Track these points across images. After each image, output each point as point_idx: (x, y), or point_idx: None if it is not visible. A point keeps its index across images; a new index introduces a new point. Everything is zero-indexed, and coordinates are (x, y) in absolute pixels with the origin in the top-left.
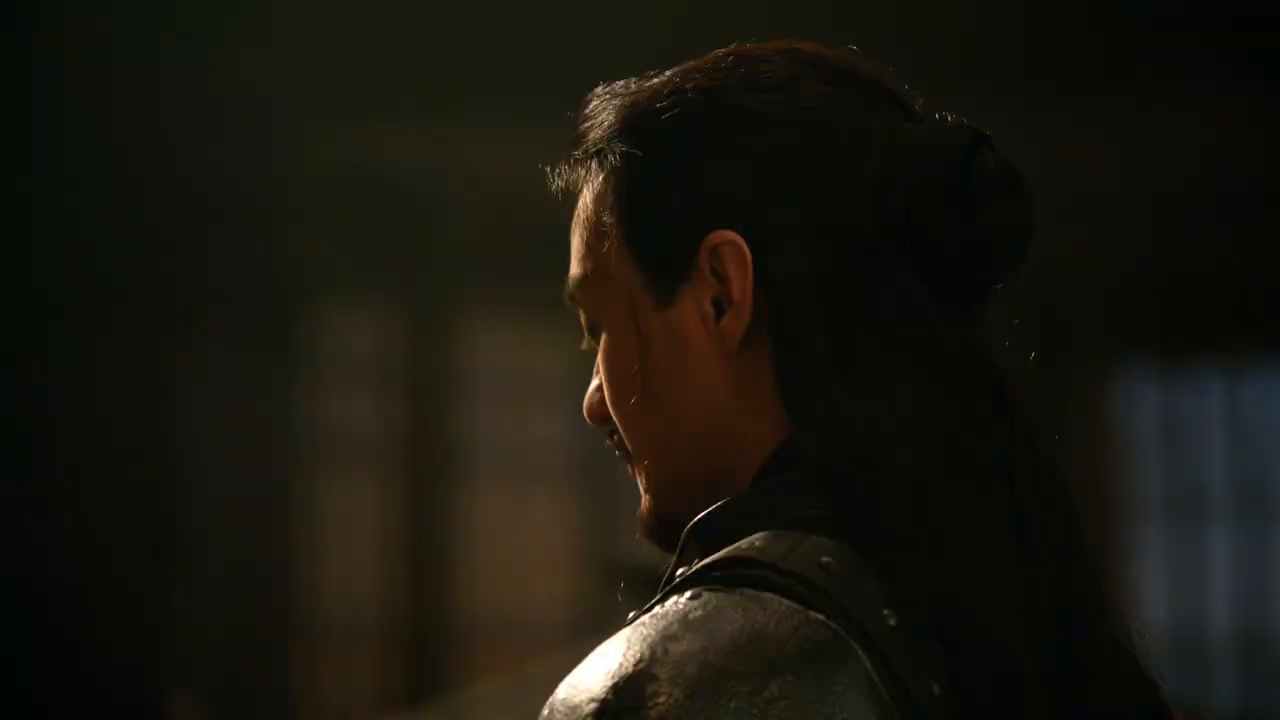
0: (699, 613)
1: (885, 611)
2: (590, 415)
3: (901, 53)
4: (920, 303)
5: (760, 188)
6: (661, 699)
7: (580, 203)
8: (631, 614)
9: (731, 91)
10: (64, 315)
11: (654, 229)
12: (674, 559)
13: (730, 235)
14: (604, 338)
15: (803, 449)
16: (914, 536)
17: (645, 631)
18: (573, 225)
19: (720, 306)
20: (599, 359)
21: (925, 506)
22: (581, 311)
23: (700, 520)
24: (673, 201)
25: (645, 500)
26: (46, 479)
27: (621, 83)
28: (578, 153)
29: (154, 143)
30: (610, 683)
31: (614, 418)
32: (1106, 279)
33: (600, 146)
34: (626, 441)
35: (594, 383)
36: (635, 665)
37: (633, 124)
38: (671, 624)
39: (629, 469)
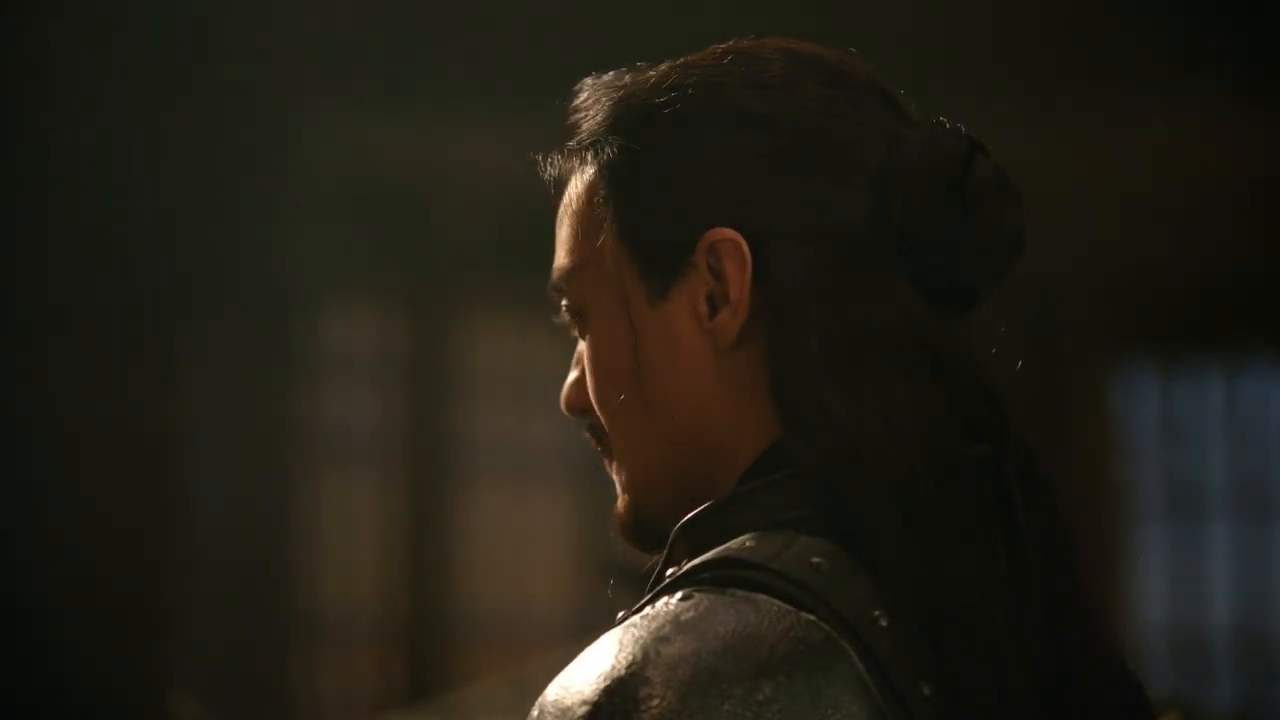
0: (690, 614)
1: (876, 612)
2: (569, 407)
3: (901, 53)
4: (915, 306)
5: (760, 187)
6: (655, 702)
7: (570, 193)
8: (620, 614)
9: (732, 89)
10: (63, 314)
11: (651, 223)
12: (662, 558)
13: (730, 233)
14: (592, 330)
15: (794, 449)
16: (904, 538)
17: (636, 633)
18: (561, 216)
19: (714, 304)
20: (583, 351)
21: (916, 508)
22: (565, 303)
23: (689, 519)
24: (671, 197)
25: (624, 498)
26: (46, 478)
27: (613, 74)
28: (571, 143)
29: (154, 141)
30: (602, 685)
31: (598, 411)
32: (1106, 277)
33: (597, 138)
34: (608, 436)
35: (573, 374)
36: (627, 668)
37: (632, 117)
38: (663, 625)
39: (606, 464)
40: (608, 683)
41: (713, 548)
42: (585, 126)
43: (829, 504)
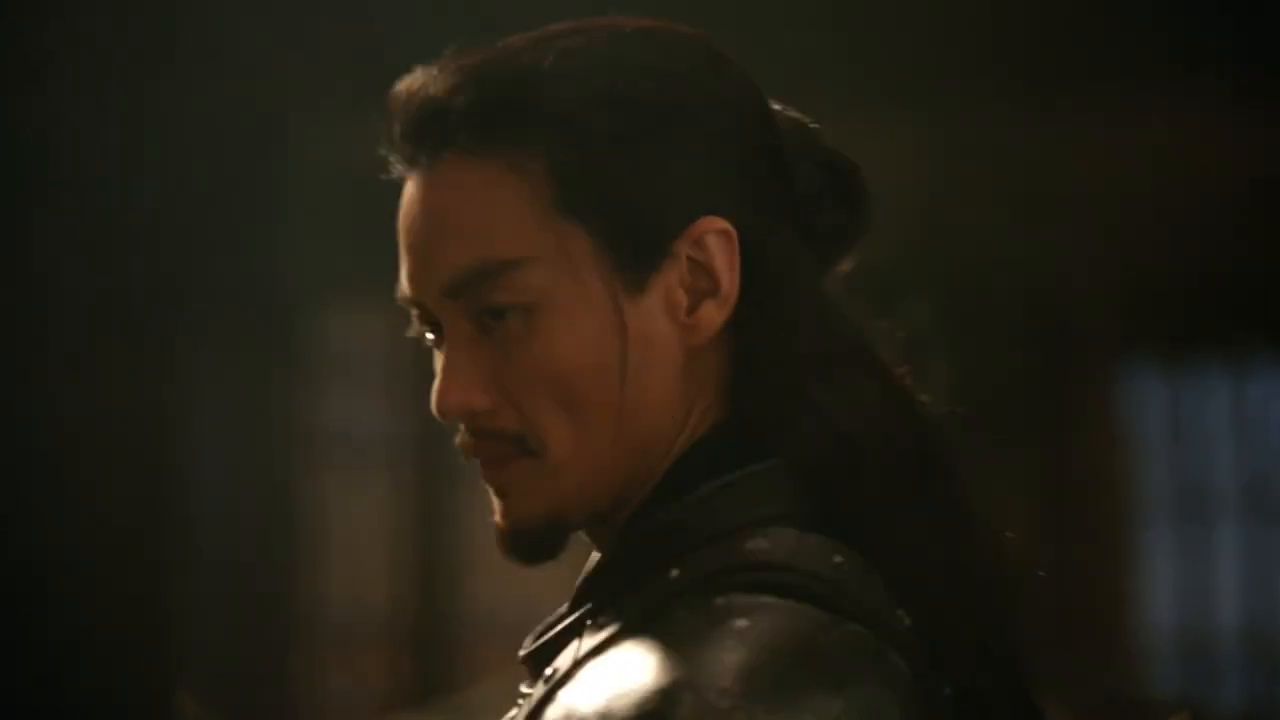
0: (742, 622)
1: (899, 612)
2: (457, 410)
3: (901, 53)
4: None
5: (734, 175)
6: (740, 715)
7: (490, 181)
8: (602, 620)
9: (678, 74)
10: (69, 315)
11: (629, 213)
12: (614, 565)
13: (722, 223)
14: (548, 326)
15: (784, 445)
16: (915, 530)
17: (696, 642)
18: (470, 205)
19: (692, 296)
20: (515, 349)
21: (917, 498)
22: (488, 299)
23: (652, 520)
24: (651, 185)
25: (538, 505)
26: (51, 479)
27: (506, 53)
28: (495, 127)
29: (157, 142)
30: (674, 696)
31: (534, 413)
32: (1113, 278)
33: (543, 122)
34: (542, 440)
35: (450, 378)
36: (703, 676)
37: (581, 101)
38: (720, 635)
39: (500, 470)
40: (682, 692)
41: (679, 550)
42: (507, 111)
43: (830, 498)
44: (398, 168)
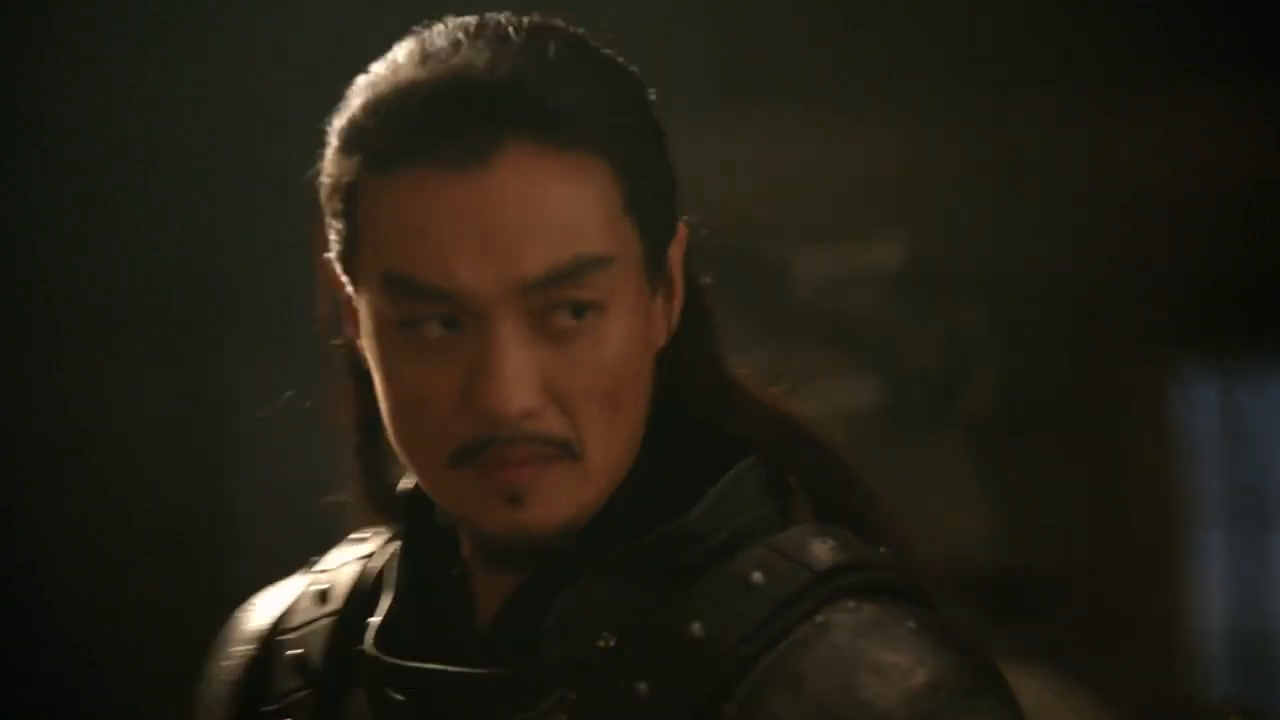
0: (911, 623)
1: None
2: (522, 415)
3: (931, 54)
4: None
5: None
6: (994, 712)
7: (575, 174)
8: (663, 636)
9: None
10: (104, 312)
11: (659, 217)
12: (616, 568)
13: (684, 228)
14: (614, 327)
15: (750, 440)
16: (889, 506)
17: (891, 646)
18: (563, 196)
19: (664, 300)
20: (587, 346)
21: (857, 485)
22: (570, 292)
23: (674, 524)
24: (666, 188)
25: (566, 510)
26: (88, 479)
27: (531, 42)
28: (572, 117)
29: (199, 138)
30: (928, 699)
31: (585, 416)
32: (1165, 279)
33: (607, 123)
34: (585, 443)
35: (519, 378)
36: (944, 679)
37: (620, 99)
38: (903, 638)
39: (526, 474)
40: (934, 694)
41: (721, 553)
42: (574, 104)
43: (823, 489)
44: (362, 148)
